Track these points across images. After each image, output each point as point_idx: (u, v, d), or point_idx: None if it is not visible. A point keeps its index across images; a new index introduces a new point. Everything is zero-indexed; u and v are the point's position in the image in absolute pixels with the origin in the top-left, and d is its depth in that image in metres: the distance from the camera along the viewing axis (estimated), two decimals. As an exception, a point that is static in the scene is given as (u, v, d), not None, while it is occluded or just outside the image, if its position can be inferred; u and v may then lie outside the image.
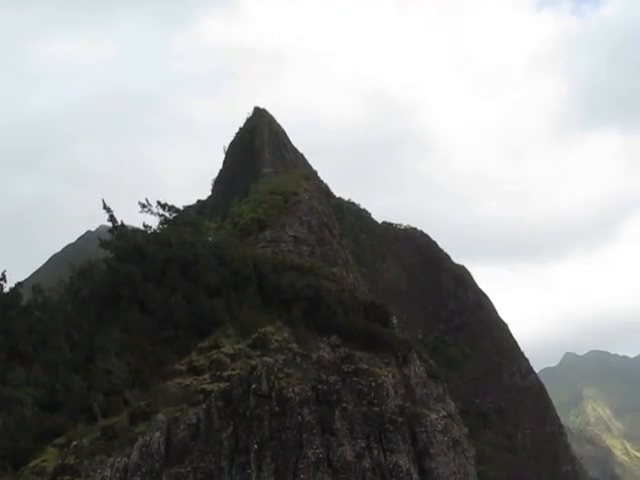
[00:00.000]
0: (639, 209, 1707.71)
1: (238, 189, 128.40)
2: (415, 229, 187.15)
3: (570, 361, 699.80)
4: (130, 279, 69.28)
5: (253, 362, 58.41)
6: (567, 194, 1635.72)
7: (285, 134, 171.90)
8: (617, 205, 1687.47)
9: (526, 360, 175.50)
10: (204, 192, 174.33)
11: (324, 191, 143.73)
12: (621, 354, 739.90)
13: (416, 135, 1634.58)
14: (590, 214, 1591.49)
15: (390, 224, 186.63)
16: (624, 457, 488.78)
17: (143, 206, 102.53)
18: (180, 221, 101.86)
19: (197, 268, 71.27)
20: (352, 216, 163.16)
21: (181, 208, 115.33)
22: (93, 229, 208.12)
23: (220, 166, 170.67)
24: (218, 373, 58.50)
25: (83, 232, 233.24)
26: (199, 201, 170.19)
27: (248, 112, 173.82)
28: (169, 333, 64.97)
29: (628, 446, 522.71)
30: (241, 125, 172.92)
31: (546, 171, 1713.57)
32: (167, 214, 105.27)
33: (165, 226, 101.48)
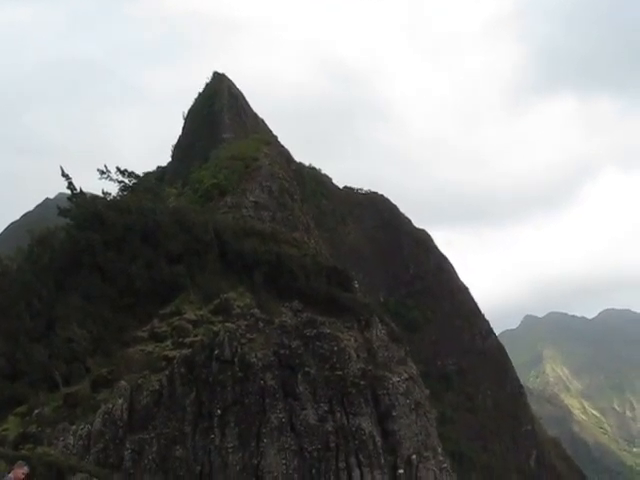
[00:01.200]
0: (595, 173, 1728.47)
1: (198, 155, 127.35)
2: (376, 193, 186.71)
3: (530, 323, 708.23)
4: (90, 246, 68.63)
5: (215, 328, 58.56)
6: (524, 159, 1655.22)
7: (245, 99, 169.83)
8: (573, 169, 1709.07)
9: (486, 322, 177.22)
10: (164, 159, 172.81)
11: (285, 156, 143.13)
12: (580, 315, 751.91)
13: (373, 101, 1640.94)
14: (547, 179, 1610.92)
15: (351, 189, 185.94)
16: (582, 416, 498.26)
17: (102, 173, 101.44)
18: (140, 188, 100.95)
19: (158, 235, 70.77)
20: (313, 181, 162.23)
21: (141, 175, 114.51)
22: (52, 197, 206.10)
23: (179, 132, 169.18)
24: (180, 339, 58.57)
25: (41, 200, 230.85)
26: (159, 167, 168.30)
27: (207, 77, 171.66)
28: (130, 300, 64.67)
29: (586, 405, 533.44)
30: (200, 90, 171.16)
31: (504, 136, 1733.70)
32: (127, 181, 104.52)
33: (125, 193, 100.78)
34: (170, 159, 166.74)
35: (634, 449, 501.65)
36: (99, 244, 69.02)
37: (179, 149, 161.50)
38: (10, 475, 23.39)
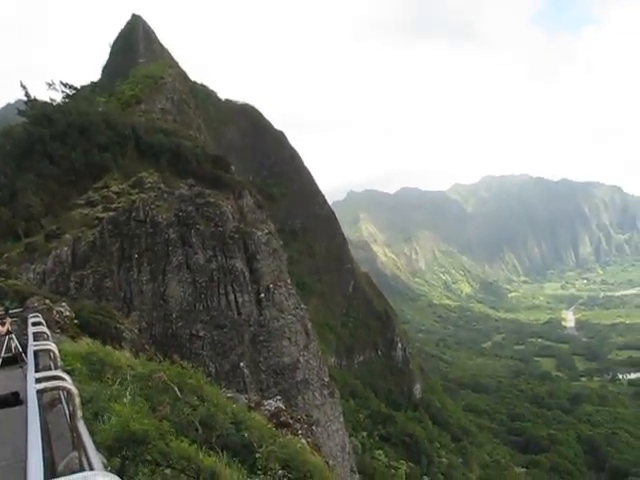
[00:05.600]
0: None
1: (121, 73, 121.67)
2: (248, 104, 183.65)
3: (352, 196, 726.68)
4: (41, 139, 65.99)
5: (133, 197, 57.89)
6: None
7: (154, 34, 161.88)
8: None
9: (322, 195, 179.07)
10: (96, 75, 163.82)
11: (183, 76, 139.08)
12: (385, 191, 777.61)
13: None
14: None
15: (230, 100, 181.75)
16: (384, 257, 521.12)
17: (49, 85, 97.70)
18: (78, 96, 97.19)
19: (91, 130, 68.74)
20: (203, 94, 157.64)
21: (79, 87, 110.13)
22: (12, 102, 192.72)
23: (107, 57, 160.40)
24: (108, 205, 57.57)
25: (4, 104, 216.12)
26: (92, 82, 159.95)
27: (127, 17, 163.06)
28: (71, 178, 62.97)
29: (387, 251, 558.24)
30: (122, 27, 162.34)
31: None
32: (68, 91, 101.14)
33: (67, 100, 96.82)
34: (100, 76, 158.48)
35: (416, 279, 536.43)
36: (48, 137, 66.46)
37: (107, 68, 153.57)
38: None
